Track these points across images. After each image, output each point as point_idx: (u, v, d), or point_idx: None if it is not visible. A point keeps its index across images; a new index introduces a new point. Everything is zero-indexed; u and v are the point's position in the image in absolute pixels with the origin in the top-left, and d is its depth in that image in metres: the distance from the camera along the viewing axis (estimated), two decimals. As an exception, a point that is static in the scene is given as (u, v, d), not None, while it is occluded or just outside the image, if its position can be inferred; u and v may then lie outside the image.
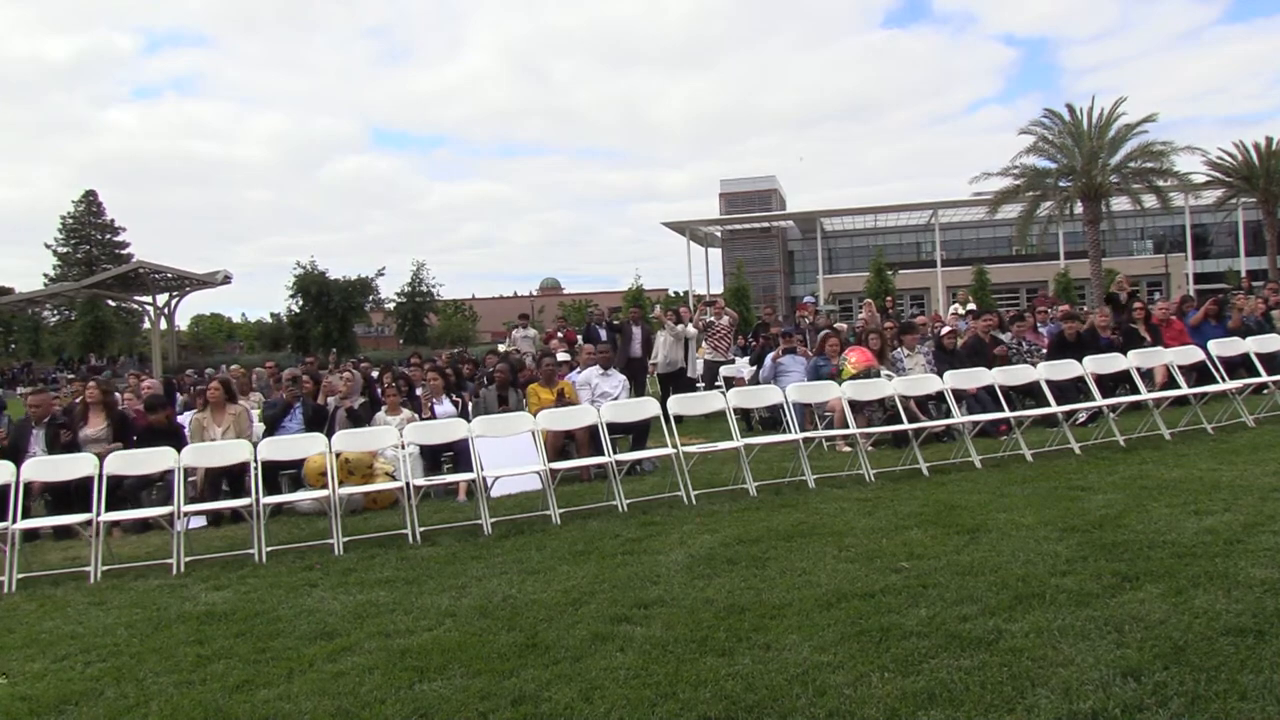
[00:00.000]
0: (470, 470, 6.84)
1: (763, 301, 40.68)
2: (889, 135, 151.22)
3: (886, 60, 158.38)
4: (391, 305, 49.97)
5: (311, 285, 44.63)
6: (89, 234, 67.29)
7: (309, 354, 29.27)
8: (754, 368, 12.14)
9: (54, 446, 7.82)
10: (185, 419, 9.16)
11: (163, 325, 45.33)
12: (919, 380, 8.60)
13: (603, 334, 13.07)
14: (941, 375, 8.40)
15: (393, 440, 7.12)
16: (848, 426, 7.75)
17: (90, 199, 67.43)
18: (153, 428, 8.21)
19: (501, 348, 16.12)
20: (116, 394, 9.07)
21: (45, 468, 6.75)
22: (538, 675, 3.43)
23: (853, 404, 8.13)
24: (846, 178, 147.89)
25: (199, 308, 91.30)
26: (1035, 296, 34.82)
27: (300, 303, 45.42)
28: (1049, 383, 8.15)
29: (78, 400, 8.96)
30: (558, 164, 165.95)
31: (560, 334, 16.25)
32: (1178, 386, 8.54)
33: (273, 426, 8.74)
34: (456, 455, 8.13)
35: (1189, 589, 3.79)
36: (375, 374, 10.85)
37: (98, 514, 6.02)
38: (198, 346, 63.63)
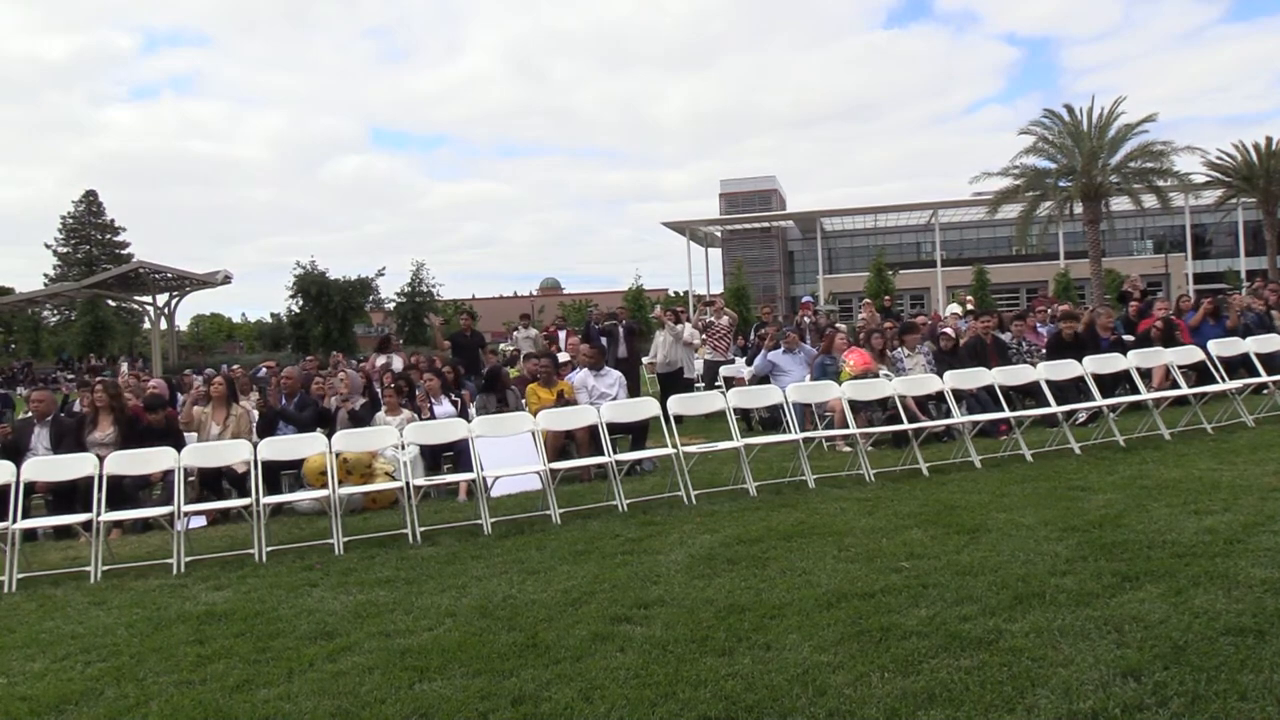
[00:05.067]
0: (470, 470, 6.85)
1: (763, 301, 40.68)
2: (889, 135, 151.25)
3: (886, 60, 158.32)
4: (391, 305, 49.90)
5: (311, 285, 44.53)
6: (89, 234, 67.28)
7: (310, 354, 29.22)
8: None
9: (59, 446, 7.81)
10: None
11: (163, 325, 45.34)
12: (919, 380, 8.60)
13: (604, 340, 13.06)
14: (941, 375, 8.40)
15: (393, 440, 7.12)
16: (848, 426, 7.75)
17: (90, 199, 67.45)
18: (151, 428, 8.20)
19: (504, 347, 16.11)
20: (126, 395, 9.02)
21: (46, 468, 6.76)
22: (538, 675, 3.43)
23: (853, 404, 8.12)
24: (846, 178, 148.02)
25: (199, 308, 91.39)
26: (1035, 297, 34.87)
27: (300, 303, 45.31)
28: (1049, 383, 8.15)
29: (84, 406, 8.94)
30: (557, 164, 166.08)
31: (562, 332, 16.26)
32: (1178, 387, 8.55)
33: (268, 432, 8.72)
34: (456, 455, 8.13)
35: (1189, 589, 3.79)
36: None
37: (98, 514, 6.03)
38: (198, 347, 63.60)
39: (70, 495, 6.85)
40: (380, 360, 12.97)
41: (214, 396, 8.42)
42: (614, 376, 9.88)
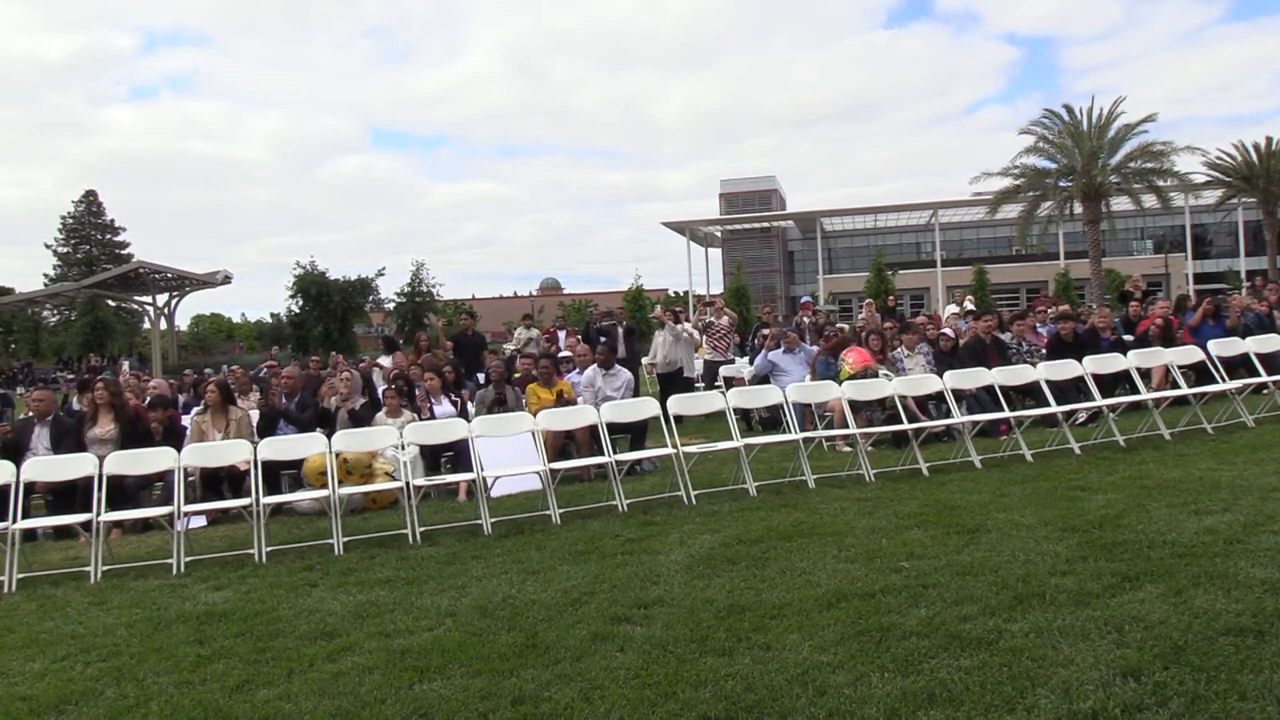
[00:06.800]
0: (470, 470, 6.84)
1: (763, 301, 40.69)
2: (889, 135, 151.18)
3: (886, 60, 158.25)
4: (391, 305, 49.93)
5: (311, 285, 44.58)
6: (89, 234, 67.33)
7: (310, 354, 29.24)
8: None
9: (59, 446, 7.80)
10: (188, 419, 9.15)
11: (163, 325, 45.37)
12: (919, 380, 8.60)
13: (603, 340, 13.07)
14: (941, 375, 8.40)
15: (393, 440, 7.12)
16: (848, 426, 7.75)
17: (90, 199, 67.50)
18: (151, 427, 8.19)
19: (508, 347, 16.13)
20: (127, 394, 9.00)
21: (46, 468, 6.76)
22: (538, 675, 3.43)
23: (853, 404, 8.12)
24: (846, 178, 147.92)
25: (199, 308, 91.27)
26: (1035, 297, 34.86)
27: (300, 303, 45.38)
28: (1049, 383, 8.15)
29: (84, 406, 8.92)
30: (557, 164, 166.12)
31: (562, 332, 16.30)
32: (1177, 387, 8.55)
33: (268, 432, 8.71)
34: (456, 455, 8.13)
35: (1189, 589, 3.79)
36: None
37: (98, 514, 6.02)
38: (198, 347, 63.62)
39: (70, 495, 6.85)
40: (387, 362, 13.01)
41: (210, 404, 8.35)
42: (623, 379, 9.89)
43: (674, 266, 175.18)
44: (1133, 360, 8.63)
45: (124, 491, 7.04)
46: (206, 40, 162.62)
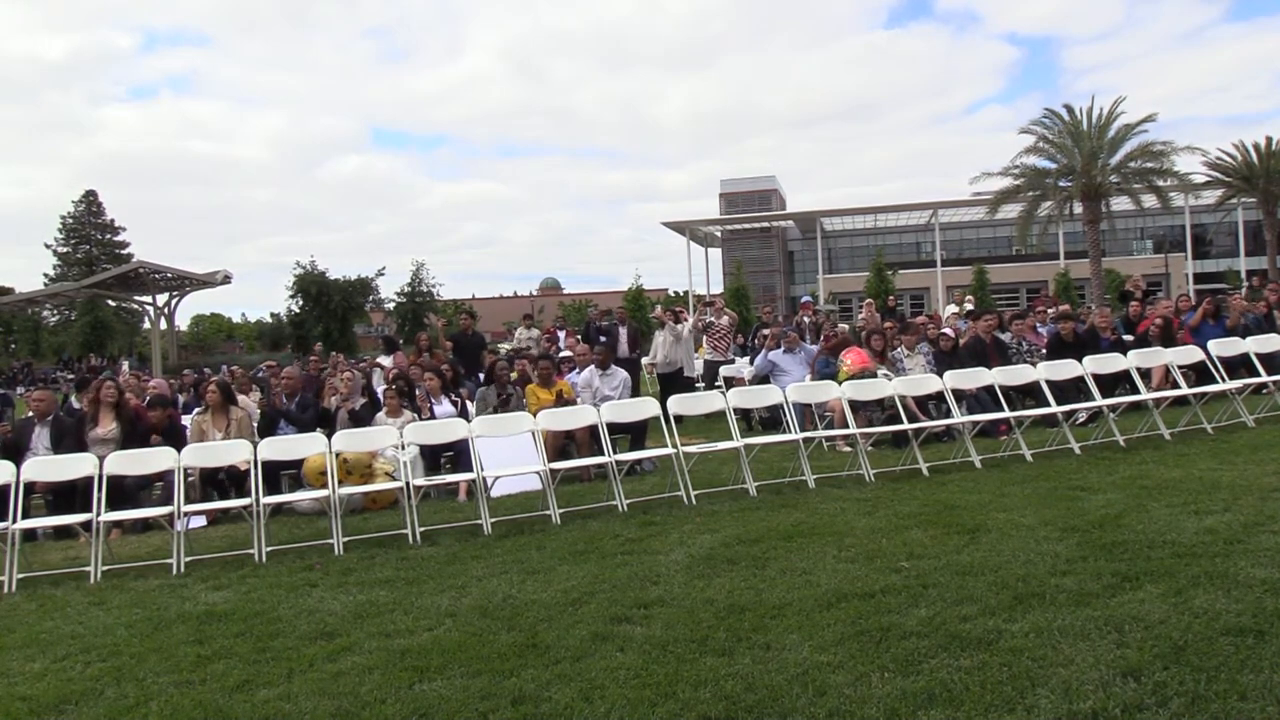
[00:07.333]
0: (470, 470, 6.84)
1: (763, 301, 40.67)
2: (889, 135, 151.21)
3: (886, 60, 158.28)
4: (391, 305, 49.92)
5: (311, 285, 44.58)
6: (89, 234, 67.33)
7: (310, 353, 29.20)
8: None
9: (59, 446, 7.79)
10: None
11: (163, 325, 45.36)
12: (919, 380, 8.60)
13: (603, 340, 13.08)
14: (941, 375, 8.40)
15: (393, 440, 7.11)
16: (848, 426, 7.75)
17: (90, 199, 67.49)
18: (153, 427, 8.19)
19: (503, 347, 16.16)
20: (128, 394, 8.99)
21: (46, 468, 6.76)
22: (538, 675, 3.43)
23: (852, 404, 8.12)
24: (846, 178, 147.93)
25: (199, 308, 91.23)
26: (1035, 296, 34.85)
27: (300, 303, 45.38)
28: (1049, 383, 8.15)
29: (84, 405, 8.91)
30: (557, 164, 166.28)
31: (562, 332, 16.34)
32: (1177, 387, 8.55)
33: (269, 431, 8.70)
34: (456, 455, 8.13)
35: (1189, 589, 3.79)
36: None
37: (98, 514, 6.02)
38: (198, 347, 63.59)
39: (70, 495, 6.84)
40: (388, 361, 13.03)
41: (210, 404, 8.35)
42: (620, 378, 9.91)
43: (674, 266, 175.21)
44: (1133, 360, 8.63)
45: (124, 491, 7.04)
46: (206, 40, 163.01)
